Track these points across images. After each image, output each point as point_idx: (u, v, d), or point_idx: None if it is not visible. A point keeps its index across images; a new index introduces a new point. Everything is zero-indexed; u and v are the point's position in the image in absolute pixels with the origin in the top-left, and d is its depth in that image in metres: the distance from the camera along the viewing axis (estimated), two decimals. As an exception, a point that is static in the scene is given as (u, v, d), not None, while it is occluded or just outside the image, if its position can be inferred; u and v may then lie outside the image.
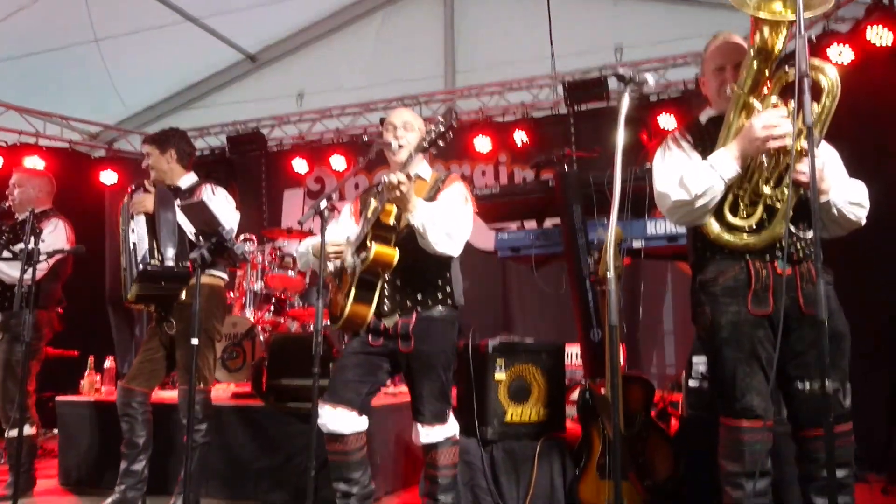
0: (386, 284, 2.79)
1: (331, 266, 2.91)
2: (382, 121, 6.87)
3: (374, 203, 2.78)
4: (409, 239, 2.71)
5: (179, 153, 3.65)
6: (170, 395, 4.05)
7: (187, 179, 3.64)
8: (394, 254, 2.66)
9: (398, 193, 2.55)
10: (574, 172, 3.93)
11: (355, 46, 7.83)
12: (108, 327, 7.45)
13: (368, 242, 2.67)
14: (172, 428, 3.81)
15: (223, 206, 3.49)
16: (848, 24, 4.92)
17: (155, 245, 3.29)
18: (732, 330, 2.29)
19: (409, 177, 2.56)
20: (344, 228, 3.03)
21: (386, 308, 2.80)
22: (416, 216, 2.62)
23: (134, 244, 3.36)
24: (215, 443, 3.93)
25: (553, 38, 6.28)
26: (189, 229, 3.31)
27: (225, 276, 3.64)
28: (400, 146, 2.85)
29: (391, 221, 2.65)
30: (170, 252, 3.25)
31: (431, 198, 2.82)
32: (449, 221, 2.70)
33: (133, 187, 3.59)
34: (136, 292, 3.34)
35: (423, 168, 2.92)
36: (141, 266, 3.25)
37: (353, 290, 2.71)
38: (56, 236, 4.02)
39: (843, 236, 2.36)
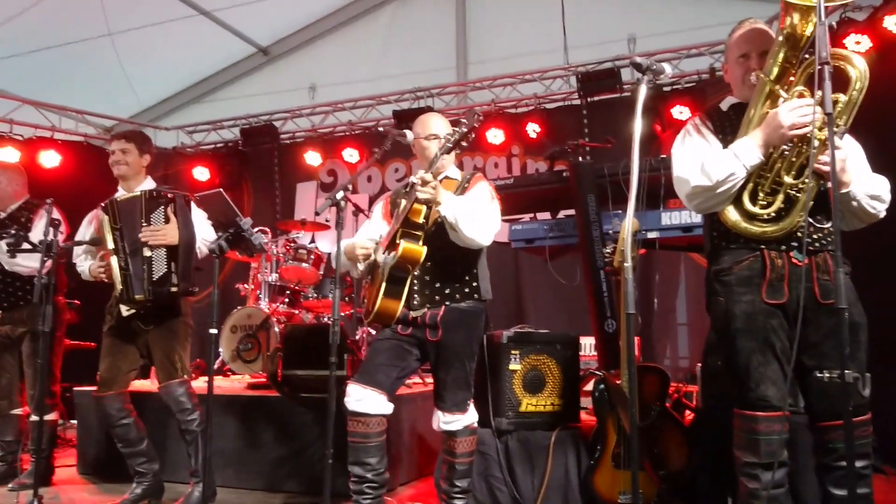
0: (415, 280, 2.88)
1: (361, 266, 3.01)
2: (395, 113, 6.94)
3: (404, 203, 2.88)
4: (437, 235, 2.81)
5: (152, 159, 3.72)
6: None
7: (147, 184, 3.65)
8: (421, 251, 2.76)
9: (429, 190, 2.65)
10: (588, 163, 3.92)
11: (367, 39, 7.84)
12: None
13: (397, 240, 2.77)
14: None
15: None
16: (865, 13, 4.88)
17: (174, 268, 3.37)
18: (746, 319, 2.28)
19: (434, 175, 2.68)
20: (376, 228, 3.12)
21: (416, 302, 2.89)
22: (446, 208, 2.72)
23: (150, 258, 3.37)
24: (230, 432, 3.98)
25: (566, 28, 6.26)
26: (204, 237, 3.41)
27: None
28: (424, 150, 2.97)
29: (420, 220, 2.75)
30: (183, 273, 3.37)
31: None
32: (477, 211, 2.79)
33: (146, 197, 3.46)
34: (140, 301, 3.39)
35: (451, 170, 3.06)
36: (155, 290, 3.34)
37: (383, 286, 2.81)
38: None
39: (863, 229, 2.34)
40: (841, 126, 2.11)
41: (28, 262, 3.85)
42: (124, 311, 3.44)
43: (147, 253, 3.37)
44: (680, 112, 5.82)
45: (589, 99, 6.47)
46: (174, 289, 3.38)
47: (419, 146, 3.00)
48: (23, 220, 4.05)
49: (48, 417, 3.91)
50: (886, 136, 3.80)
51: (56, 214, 3.43)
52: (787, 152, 2.21)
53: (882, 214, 2.31)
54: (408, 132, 2.98)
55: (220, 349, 5.20)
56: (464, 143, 2.73)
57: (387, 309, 2.82)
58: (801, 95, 2.17)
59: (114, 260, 3.42)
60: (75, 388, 4.55)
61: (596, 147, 4.57)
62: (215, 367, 4.54)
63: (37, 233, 3.75)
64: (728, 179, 2.22)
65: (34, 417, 3.62)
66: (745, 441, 2.30)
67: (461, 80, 7.46)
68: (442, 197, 2.71)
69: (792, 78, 2.20)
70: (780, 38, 2.15)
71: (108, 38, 7.13)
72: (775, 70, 2.19)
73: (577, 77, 6.40)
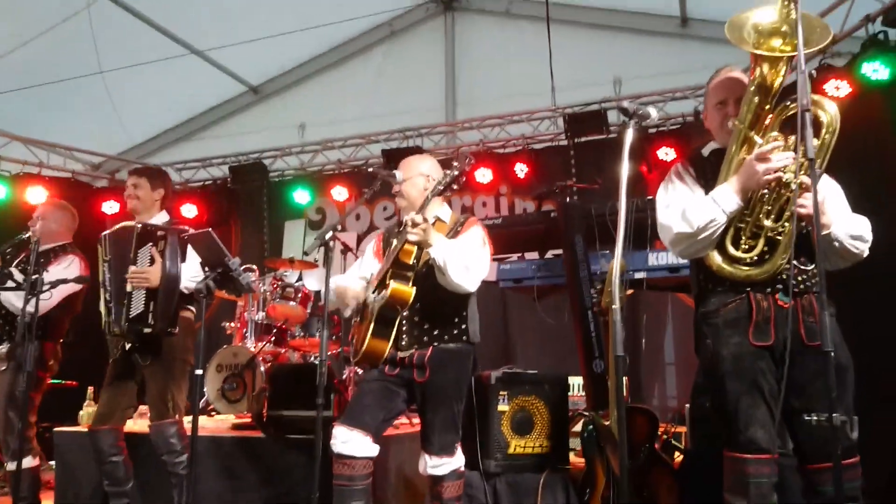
0: (404, 320, 2.87)
1: (349, 311, 2.99)
2: (384, 152, 6.99)
3: (395, 242, 2.88)
4: (427, 276, 2.81)
5: (166, 192, 3.72)
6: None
7: (160, 217, 3.65)
8: (410, 291, 2.75)
9: (419, 231, 2.64)
10: (576, 203, 3.96)
11: (357, 79, 7.92)
12: (107, 357, 7.40)
13: (387, 280, 2.76)
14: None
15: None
16: (844, 59, 5.00)
17: (152, 307, 3.33)
18: (734, 362, 2.29)
19: (424, 217, 2.69)
20: (368, 266, 3.12)
21: (404, 342, 2.87)
22: (436, 250, 2.71)
23: (130, 294, 3.36)
24: (214, 474, 3.90)
25: (553, 70, 6.37)
26: (192, 276, 3.38)
27: (194, 308, 3.59)
28: (399, 195, 2.99)
29: (410, 261, 2.75)
30: (162, 313, 3.33)
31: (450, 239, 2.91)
32: (467, 256, 2.78)
33: (138, 231, 3.46)
34: (118, 335, 3.38)
35: (443, 211, 3.06)
36: (131, 327, 3.33)
37: (371, 326, 2.80)
38: (69, 273, 3.89)
39: (846, 270, 2.37)
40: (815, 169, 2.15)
41: (17, 302, 3.78)
42: (127, 343, 3.42)
43: (128, 289, 3.37)
44: (665, 153, 5.92)
45: (576, 140, 6.56)
46: (148, 329, 3.33)
47: (408, 186, 2.99)
48: (42, 260, 3.95)
49: (29, 463, 3.81)
50: (867, 177, 3.86)
51: (73, 260, 3.39)
52: (765, 196, 2.25)
53: (865, 254, 2.34)
54: (397, 173, 2.99)
55: (205, 388, 5.13)
56: (454, 186, 2.76)
57: (375, 349, 2.81)
58: (775, 140, 2.22)
59: (102, 292, 3.44)
60: (55, 429, 4.44)
61: (583, 188, 4.62)
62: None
63: (50, 275, 3.68)
64: (708, 226, 2.25)
65: (11, 465, 3.54)
66: (734, 484, 2.29)
67: (450, 120, 7.54)
68: (433, 239, 2.71)
69: (767, 123, 2.25)
70: (752, 88, 2.21)
71: (99, 76, 7.16)
72: (749, 117, 2.25)
73: (564, 118, 6.50)
